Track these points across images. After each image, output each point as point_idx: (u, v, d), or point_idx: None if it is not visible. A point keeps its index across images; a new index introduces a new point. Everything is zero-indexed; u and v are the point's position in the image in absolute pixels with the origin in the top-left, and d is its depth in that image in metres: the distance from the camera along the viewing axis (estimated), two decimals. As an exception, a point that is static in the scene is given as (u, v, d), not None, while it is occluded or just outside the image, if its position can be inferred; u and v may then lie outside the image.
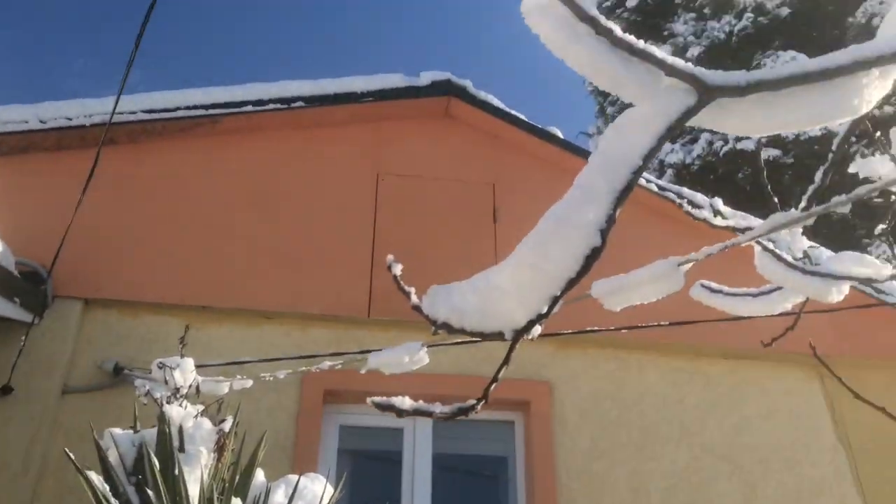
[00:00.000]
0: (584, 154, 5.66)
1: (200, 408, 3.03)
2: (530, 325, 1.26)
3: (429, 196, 5.89)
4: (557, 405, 5.27)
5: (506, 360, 1.30)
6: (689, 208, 2.02)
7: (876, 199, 2.19)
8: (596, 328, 3.14)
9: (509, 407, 5.33)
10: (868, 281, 2.21)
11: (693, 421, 5.39)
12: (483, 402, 1.20)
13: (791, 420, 5.52)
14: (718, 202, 2.35)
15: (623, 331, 4.13)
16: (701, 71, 1.26)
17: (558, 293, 1.22)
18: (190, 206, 5.57)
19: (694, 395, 5.48)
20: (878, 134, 1.92)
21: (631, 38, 1.25)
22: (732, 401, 5.52)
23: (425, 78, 6.16)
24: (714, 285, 2.40)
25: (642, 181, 5.85)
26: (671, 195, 5.82)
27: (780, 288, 2.28)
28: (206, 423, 2.88)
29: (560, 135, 6.15)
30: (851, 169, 2.04)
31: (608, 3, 21.30)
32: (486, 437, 5.37)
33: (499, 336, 1.28)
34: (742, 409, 5.51)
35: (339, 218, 5.66)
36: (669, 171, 18.08)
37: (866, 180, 2.08)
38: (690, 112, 1.26)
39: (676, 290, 1.53)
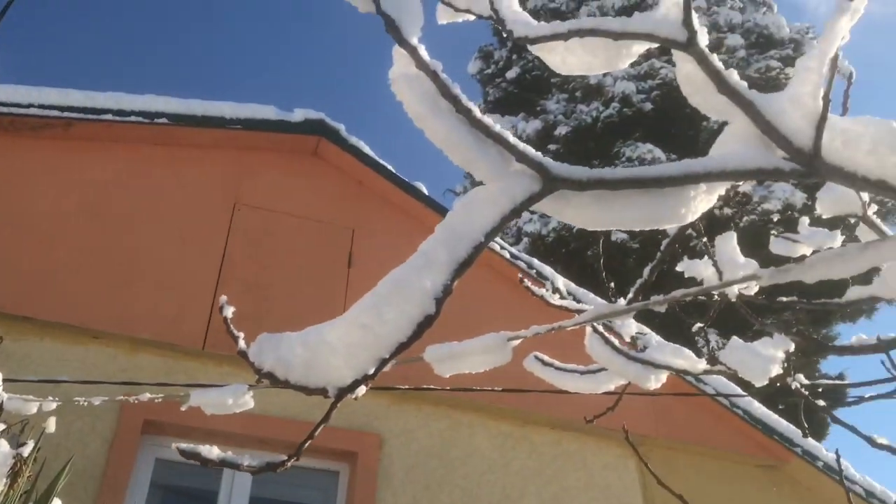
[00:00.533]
0: (445, 212, 5.77)
1: (1, 427, 2.80)
2: (355, 384, 1.26)
3: (285, 233, 5.81)
4: (385, 459, 5.25)
5: (325, 418, 1.29)
6: (528, 284, 2.09)
7: (701, 298, 2.35)
8: (430, 386, 3.17)
9: (336, 457, 5.25)
10: (684, 372, 2.36)
11: (514, 487, 5.50)
12: (295, 458, 1.19)
13: (606, 494, 5.75)
14: (558, 280, 2.45)
15: (458, 391, 4.19)
16: (548, 161, 1.33)
17: (387, 356, 1.23)
18: (27, 208, 5.22)
19: (519, 461, 5.61)
20: (705, 239, 2.08)
21: (488, 120, 1.30)
22: (554, 470, 5.70)
23: (298, 115, 6.14)
24: (546, 358, 2.48)
25: (496, 247, 6.03)
26: (521, 264, 6.03)
27: (605, 368, 2.40)
28: (3, 446, 2.67)
29: (424, 190, 6.26)
30: (679, 268, 2.20)
31: (489, 72, 22.07)
32: (308, 484, 5.25)
33: (322, 392, 1.27)
34: (562, 479, 5.68)
35: (186, 243, 5.47)
36: (526, 240, 18.72)
37: (692, 280, 2.25)
38: (534, 198, 1.33)
39: (504, 363, 1.57)
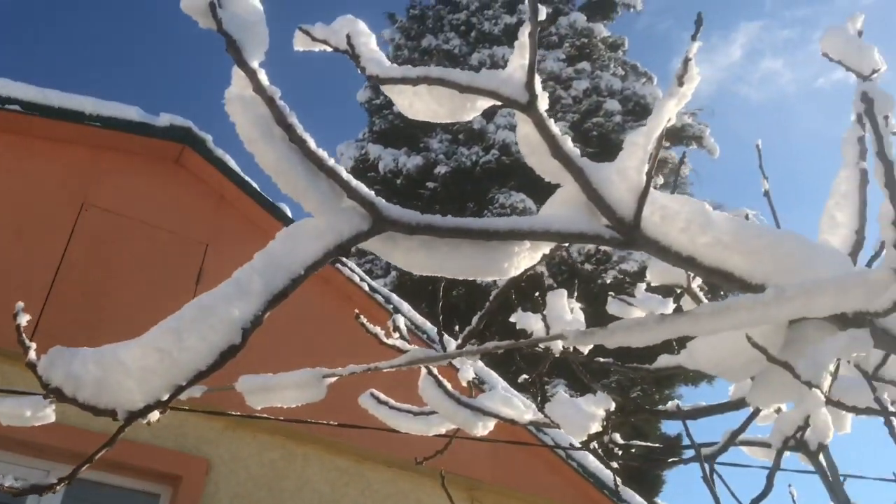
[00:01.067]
0: (306, 239, 5.68)
1: None
2: (147, 409, 1.20)
3: (134, 240, 5.55)
4: (211, 486, 5.04)
5: (109, 442, 1.22)
6: (363, 320, 2.08)
7: (537, 349, 2.41)
8: (263, 415, 3.09)
9: (158, 479, 5.00)
10: (511, 421, 2.40)
11: (344, 523, 5.42)
12: (66, 482, 1.11)
13: (436, 536, 5.75)
14: (400, 320, 2.44)
15: (293, 422, 4.10)
16: (380, 202, 1.33)
17: (184, 383, 1.18)
18: None
19: (350, 497, 5.53)
20: (537, 294, 2.14)
21: (323, 153, 1.29)
22: (387, 509, 5.65)
23: (164, 119, 5.92)
24: (382, 396, 2.47)
25: (355, 279, 6.00)
26: (379, 298, 6.02)
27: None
28: None
29: (288, 212, 6.16)
30: (512, 318, 2.24)
31: (377, 102, 22.15)
32: (125, 506, 4.97)
33: (111, 414, 1.21)
34: (394, 518, 5.65)
35: (23, 238, 5.12)
36: (394, 273, 18.74)
37: (523, 332, 2.30)
38: (361, 236, 1.32)
39: (318, 400, 1.54)
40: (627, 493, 6.37)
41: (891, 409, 1.52)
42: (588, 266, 18.13)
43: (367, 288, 6.05)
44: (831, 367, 1.33)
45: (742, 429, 1.67)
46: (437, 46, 22.41)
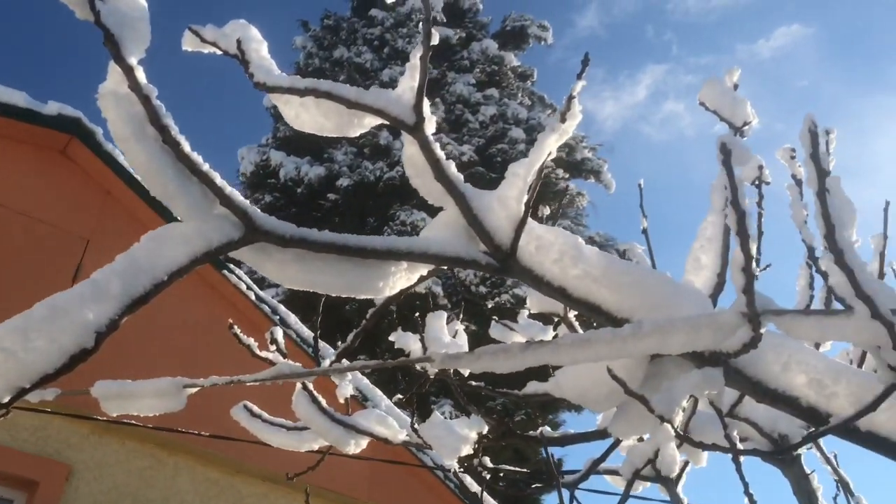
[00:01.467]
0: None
1: None
2: (-17, 412, 1.13)
3: (10, 231, 5.26)
4: (71, 492, 4.79)
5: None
6: (236, 331, 2.03)
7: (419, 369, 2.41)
8: (130, 421, 2.97)
9: (11, 483, 4.71)
10: (385, 440, 2.39)
11: (213, 537, 5.25)
12: None
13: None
14: (278, 333, 2.40)
15: (163, 430, 3.95)
16: (254, 211, 1.30)
17: (27, 385, 1.12)
18: None
19: (221, 510, 5.37)
20: (417, 315, 2.15)
21: (197, 157, 1.26)
22: (259, 524, 5.52)
23: (52, 108, 5.65)
24: (255, 409, 2.42)
25: (242, 287, 5.86)
26: (266, 308, 5.90)
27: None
28: None
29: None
30: (391, 337, 2.24)
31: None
32: (-25, 511, 4.66)
33: (-57, 415, 1.14)
34: (266, 533, 5.51)
35: None
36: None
37: (400, 351, 2.30)
38: (232, 245, 1.29)
39: (178, 410, 1.49)
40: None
41: (740, 446, 1.59)
42: (483, 288, 18.34)
43: (253, 297, 5.92)
44: (684, 403, 1.38)
45: (603, 458, 1.71)
46: (349, 59, 22.34)
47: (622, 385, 1.33)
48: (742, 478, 1.48)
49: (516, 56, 23.89)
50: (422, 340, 2.05)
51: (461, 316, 2.49)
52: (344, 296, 1.39)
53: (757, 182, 1.98)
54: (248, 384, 1.55)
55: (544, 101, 23.67)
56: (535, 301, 2.23)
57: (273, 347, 2.33)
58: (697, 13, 32.26)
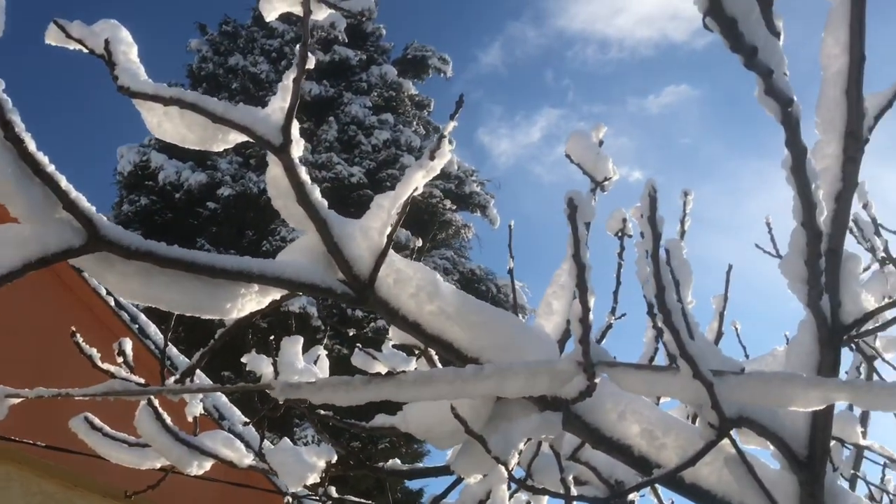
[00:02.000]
0: None
1: None
2: None
3: None
4: None
5: None
6: (78, 339, 1.94)
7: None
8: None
9: None
10: (230, 463, 2.31)
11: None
12: None
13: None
14: (127, 345, 2.30)
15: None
16: (99, 219, 1.25)
17: None
18: None
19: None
20: (272, 338, 2.11)
21: (43, 158, 1.20)
22: (96, 542, 5.22)
23: None
24: (97, 421, 2.29)
25: (102, 290, 5.59)
26: (125, 316, 5.65)
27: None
28: None
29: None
30: (244, 359, 2.19)
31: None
32: None
33: None
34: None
35: None
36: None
37: (251, 373, 2.24)
38: (72, 253, 1.23)
39: (-3, 421, 1.40)
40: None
41: (574, 491, 1.64)
42: (359, 313, 18.22)
43: (112, 303, 5.65)
44: (522, 446, 1.41)
45: (444, 495, 1.72)
46: (244, 67, 21.92)
47: (463, 424, 1.34)
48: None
49: (415, 85, 24.12)
50: (274, 365, 2.01)
51: (325, 341, 2.46)
52: (188, 314, 1.35)
53: (620, 234, 2.06)
54: (110, 395, 1.48)
55: (439, 131, 23.91)
56: (397, 332, 2.23)
57: (120, 359, 2.23)
58: (595, 63, 33.61)
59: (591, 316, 1.13)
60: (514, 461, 1.34)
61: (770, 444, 1.38)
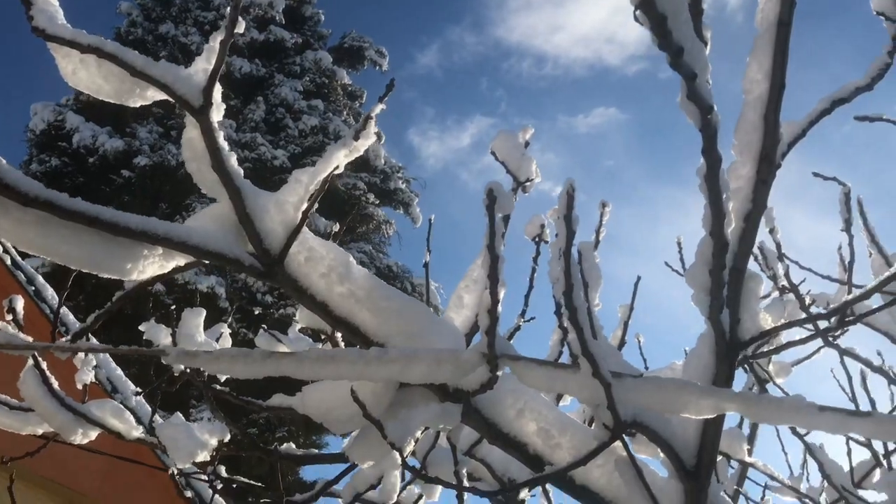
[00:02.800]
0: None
1: None
2: None
3: None
4: None
5: None
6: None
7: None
8: None
9: None
10: (118, 435, 2.23)
11: None
12: None
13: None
14: (18, 302, 2.19)
15: None
16: (-3, 161, 1.18)
17: None
18: None
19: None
20: (174, 308, 2.04)
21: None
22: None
23: None
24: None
25: None
26: (21, 276, 5.39)
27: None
28: None
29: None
30: (142, 327, 2.11)
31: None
32: None
33: None
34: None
35: None
36: (56, 255, 16.98)
37: (149, 342, 2.17)
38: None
39: None
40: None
41: (466, 483, 1.64)
42: (269, 298, 17.93)
43: (9, 261, 5.39)
44: (418, 434, 1.40)
45: (336, 480, 1.70)
46: (174, 37, 21.30)
47: (362, 408, 1.33)
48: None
49: (349, 74, 23.89)
50: (173, 335, 1.95)
51: (230, 320, 2.40)
52: (84, 270, 1.29)
53: (537, 239, 2.08)
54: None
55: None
56: (304, 315, 2.19)
57: (9, 317, 2.13)
58: (529, 78, 33.98)
59: (500, 308, 1.13)
60: (409, 448, 1.33)
61: (660, 452, 1.41)
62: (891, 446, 2.08)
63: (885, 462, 2.07)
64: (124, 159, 19.10)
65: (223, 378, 2.21)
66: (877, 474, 2.16)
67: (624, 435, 1.29)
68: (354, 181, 21.09)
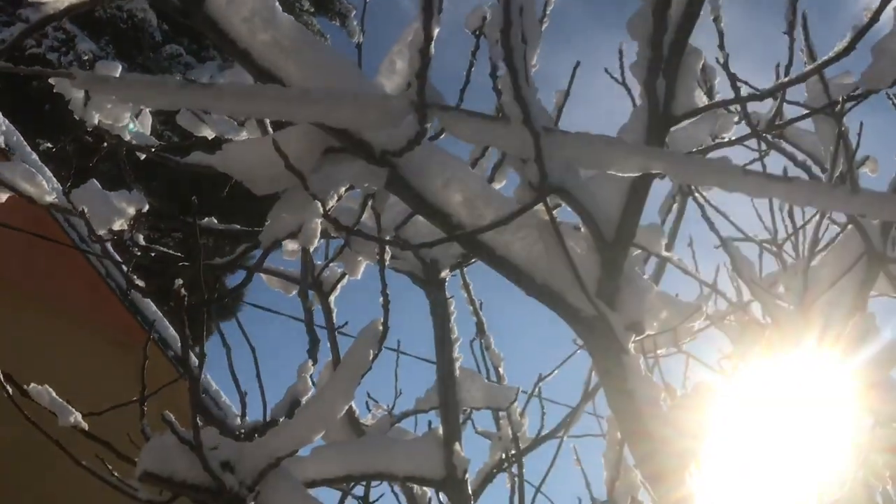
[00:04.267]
0: None
1: None
2: None
3: None
4: None
5: None
6: None
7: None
8: None
9: None
10: (30, 199, 2.14)
11: None
12: None
13: None
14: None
15: None
16: None
17: None
18: None
19: None
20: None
21: None
22: None
23: None
24: None
25: None
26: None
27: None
28: None
29: None
30: (51, 80, 1.98)
31: None
32: None
33: None
34: None
35: None
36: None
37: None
38: None
39: None
40: (141, 300, 5.94)
41: (388, 251, 1.64)
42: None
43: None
44: (342, 191, 1.38)
45: (259, 265, 1.65)
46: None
47: (284, 158, 1.28)
48: (383, 279, 1.53)
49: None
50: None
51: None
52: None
53: (477, 32, 1.99)
54: None
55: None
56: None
57: None
58: None
59: (433, 49, 1.07)
60: (332, 202, 1.31)
61: (582, 224, 1.42)
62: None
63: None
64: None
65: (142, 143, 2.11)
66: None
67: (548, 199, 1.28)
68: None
